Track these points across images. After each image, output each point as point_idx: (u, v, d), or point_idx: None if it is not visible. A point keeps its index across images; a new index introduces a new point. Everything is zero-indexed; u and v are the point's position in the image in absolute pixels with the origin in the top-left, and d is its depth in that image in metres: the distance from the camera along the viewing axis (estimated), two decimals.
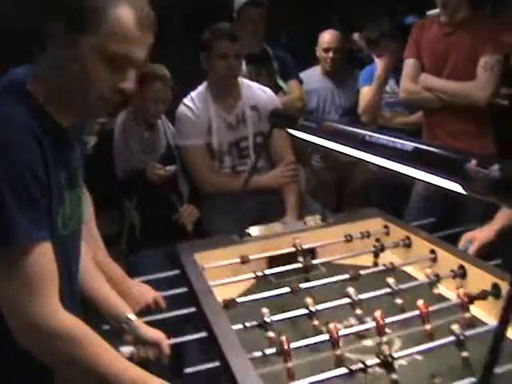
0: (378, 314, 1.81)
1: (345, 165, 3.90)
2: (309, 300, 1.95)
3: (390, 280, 2.05)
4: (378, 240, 2.55)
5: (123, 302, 1.89)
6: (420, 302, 1.86)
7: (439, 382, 1.64)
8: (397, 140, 1.51)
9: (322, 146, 2.01)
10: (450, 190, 1.33)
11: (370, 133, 1.68)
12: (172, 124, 3.30)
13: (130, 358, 1.75)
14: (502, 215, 2.43)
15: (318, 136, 2.03)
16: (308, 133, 2.11)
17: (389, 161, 1.56)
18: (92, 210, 2.21)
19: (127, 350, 1.81)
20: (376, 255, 2.47)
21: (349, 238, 2.56)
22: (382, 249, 2.47)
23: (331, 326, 1.76)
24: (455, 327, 1.69)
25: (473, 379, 1.52)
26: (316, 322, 1.92)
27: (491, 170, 1.13)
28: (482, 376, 1.02)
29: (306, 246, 2.48)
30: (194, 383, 1.74)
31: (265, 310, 1.91)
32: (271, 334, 1.85)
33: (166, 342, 1.85)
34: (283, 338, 1.72)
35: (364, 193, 3.83)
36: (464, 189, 1.23)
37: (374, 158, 1.64)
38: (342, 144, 1.84)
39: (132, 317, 1.84)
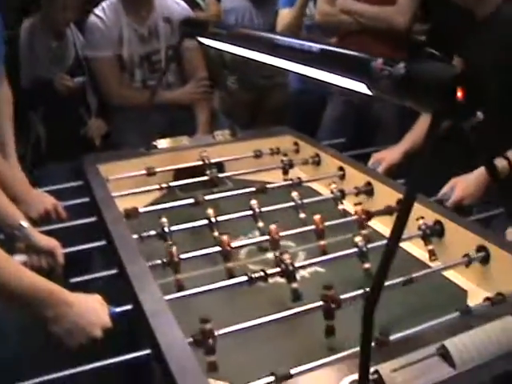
0: (273, 226, 1.79)
1: (261, 87, 3.83)
2: (210, 211, 1.91)
3: (294, 193, 2.03)
4: (286, 155, 2.50)
5: (19, 212, 1.80)
6: (317, 217, 1.84)
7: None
8: (305, 42, 1.46)
9: (234, 54, 1.93)
10: (355, 91, 1.28)
11: (278, 36, 1.63)
12: (82, 34, 3.15)
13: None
14: (410, 137, 2.42)
15: (228, 43, 1.95)
16: (219, 40, 2.03)
17: (297, 64, 1.50)
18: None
19: (19, 258, 1.72)
20: (285, 172, 2.43)
21: (258, 154, 2.52)
22: (291, 165, 2.44)
23: (224, 237, 1.73)
24: (358, 239, 1.68)
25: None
26: (216, 234, 1.87)
27: (396, 67, 1.09)
28: (371, 288, 1.00)
29: (213, 160, 2.42)
30: (92, 291, 1.68)
31: (164, 220, 1.86)
32: (170, 243, 1.79)
33: (60, 251, 1.77)
34: (173, 248, 1.68)
35: (278, 115, 3.79)
36: (369, 88, 1.20)
37: (283, 62, 1.58)
38: (252, 50, 1.77)
39: (25, 224, 1.75)
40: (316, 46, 1.41)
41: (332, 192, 2.11)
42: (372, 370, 1.06)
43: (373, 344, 1.27)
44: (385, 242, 1.69)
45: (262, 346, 1.44)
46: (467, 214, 1.94)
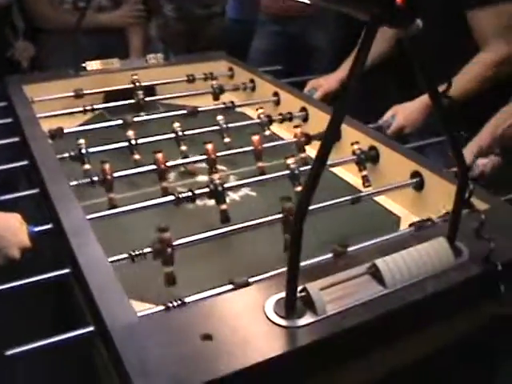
0: (209, 146, 1.72)
1: (198, 17, 3.72)
2: (130, 133, 1.83)
3: (219, 117, 1.96)
4: (215, 78, 2.44)
5: None
6: (255, 138, 1.78)
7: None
8: None
9: None
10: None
11: None
12: None
13: None
14: (347, 64, 2.37)
15: None
16: None
17: None
18: None
19: None
20: (215, 97, 2.36)
21: (191, 78, 2.43)
22: (222, 90, 2.38)
23: (159, 155, 1.66)
24: (290, 161, 1.63)
25: None
26: (137, 156, 1.80)
27: None
28: (297, 204, 0.95)
29: (144, 84, 2.33)
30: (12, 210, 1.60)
31: (81, 141, 1.76)
32: (87, 166, 1.72)
33: None
34: (106, 166, 1.60)
35: (215, 44, 3.70)
36: None
37: None
38: None
39: None
40: None
41: (259, 117, 2.03)
42: (300, 288, 1.02)
43: (330, 255, 1.26)
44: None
45: (197, 264, 1.41)
46: (404, 143, 1.90)
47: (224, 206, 1.52)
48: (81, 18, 2.45)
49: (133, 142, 1.80)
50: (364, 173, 1.74)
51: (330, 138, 0.92)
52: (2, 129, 2.08)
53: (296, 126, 1.90)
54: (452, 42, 2.06)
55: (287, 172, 1.61)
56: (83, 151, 1.74)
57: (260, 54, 3.23)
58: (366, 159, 1.75)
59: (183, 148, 1.86)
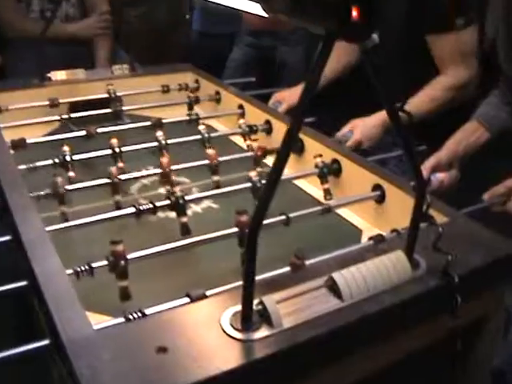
0: (164, 160, 1.71)
1: (162, 25, 3.73)
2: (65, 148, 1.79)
3: (158, 133, 1.92)
4: (187, 90, 2.43)
5: None
6: (211, 151, 1.78)
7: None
8: None
9: None
10: (253, 14, 1.22)
11: None
12: None
13: None
14: None
15: None
16: None
17: None
18: None
19: None
20: (190, 107, 2.37)
21: (160, 90, 2.43)
22: (193, 101, 2.37)
23: (112, 168, 1.65)
24: (252, 174, 1.64)
25: None
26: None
27: None
28: (253, 216, 0.95)
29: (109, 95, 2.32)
30: None
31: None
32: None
33: None
34: (58, 179, 1.59)
35: (180, 55, 3.70)
36: (264, 9, 1.13)
37: None
38: None
39: None
40: None
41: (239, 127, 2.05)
42: (256, 301, 1.02)
43: (288, 268, 1.26)
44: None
45: (155, 276, 1.40)
46: (366, 155, 1.92)
47: (185, 219, 1.51)
48: (47, 27, 2.44)
49: (68, 158, 1.76)
50: (326, 186, 1.75)
51: (285, 151, 0.93)
52: None
53: (254, 140, 1.91)
54: (410, 63, 2.10)
55: (249, 185, 1.61)
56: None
57: (233, 64, 3.26)
58: (329, 172, 1.76)
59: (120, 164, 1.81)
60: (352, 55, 2.35)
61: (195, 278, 1.44)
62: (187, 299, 1.15)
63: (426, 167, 1.81)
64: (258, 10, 1.19)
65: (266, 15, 1.16)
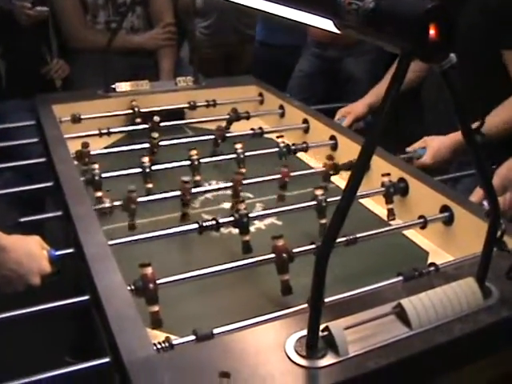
0: (237, 176, 1.71)
1: (231, 42, 3.73)
2: (145, 159, 1.82)
3: (238, 145, 1.93)
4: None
5: None
6: (284, 168, 1.77)
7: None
8: None
9: None
10: (321, 29, 1.19)
11: None
12: None
13: None
14: (376, 89, 2.36)
15: None
16: None
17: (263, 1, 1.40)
18: None
19: None
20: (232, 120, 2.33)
21: (220, 103, 2.42)
22: (247, 116, 2.34)
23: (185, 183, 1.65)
24: (319, 193, 1.61)
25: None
26: (150, 185, 1.80)
27: (365, 1, 1.00)
28: (323, 240, 0.92)
29: (172, 107, 2.34)
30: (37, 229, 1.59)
31: (95, 166, 1.75)
32: (99, 193, 1.71)
33: None
34: (133, 194, 1.59)
35: (245, 69, 3.70)
36: (336, 26, 1.10)
37: None
38: None
39: None
40: None
41: (278, 146, 2.01)
42: (322, 326, 0.99)
43: (355, 291, 1.24)
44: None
45: (211, 297, 1.38)
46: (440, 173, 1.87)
47: (247, 237, 1.49)
48: (112, 38, 2.45)
49: (147, 169, 1.80)
50: (390, 206, 1.71)
51: (359, 174, 0.89)
52: (32, 148, 2.09)
53: (328, 157, 1.88)
54: (487, 82, 2.03)
55: (314, 203, 1.58)
56: (96, 177, 1.72)
57: (299, 75, 3.25)
58: (395, 191, 1.71)
59: (197, 178, 1.85)
60: (424, 66, 2.29)
61: (258, 294, 1.42)
62: (254, 320, 1.13)
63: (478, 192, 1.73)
64: (327, 25, 1.15)
65: (337, 31, 1.14)
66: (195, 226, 1.45)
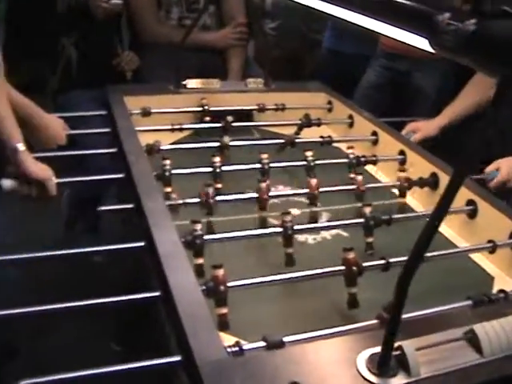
0: (314, 181, 1.71)
1: (297, 46, 3.74)
2: (217, 159, 1.83)
3: (308, 153, 1.94)
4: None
5: (19, 135, 1.65)
6: (359, 178, 1.78)
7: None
8: None
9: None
10: (415, 47, 1.19)
11: None
12: None
13: (10, 193, 1.62)
14: (449, 111, 2.33)
15: None
16: None
17: (354, 13, 1.40)
18: None
19: (8, 183, 1.62)
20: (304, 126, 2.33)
21: (289, 107, 2.43)
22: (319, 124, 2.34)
23: (263, 185, 1.66)
24: (367, 210, 1.59)
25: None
26: (219, 186, 1.81)
27: (466, 23, 0.99)
28: (409, 258, 0.92)
29: (242, 108, 2.36)
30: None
31: (166, 162, 1.78)
32: (168, 189, 1.74)
33: (52, 183, 1.66)
34: (210, 189, 1.61)
35: (312, 74, 3.69)
36: (431, 44, 1.10)
37: (339, 10, 1.48)
38: None
39: (21, 147, 1.62)
40: None
41: (348, 157, 2.01)
42: (395, 345, 0.98)
43: (425, 311, 1.23)
44: (410, 214, 1.67)
45: (277, 304, 1.38)
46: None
47: (290, 250, 1.48)
48: (187, 34, 2.48)
49: (217, 169, 1.82)
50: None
51: (450, 198, 0.88)
52: (100, 138, 2.11)
53: (401, 170, 1.89)
54: None
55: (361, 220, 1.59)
56: (167, 173, 1.75)
57: (366, 85, 3.24)
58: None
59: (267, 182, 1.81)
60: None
61: (323, 305, 1.41)
62: (324, 331, 1.13)
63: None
64: (420, 43, 1.14)
65: (432, 51, 1.13)
66: (279, 229, 1.47)
